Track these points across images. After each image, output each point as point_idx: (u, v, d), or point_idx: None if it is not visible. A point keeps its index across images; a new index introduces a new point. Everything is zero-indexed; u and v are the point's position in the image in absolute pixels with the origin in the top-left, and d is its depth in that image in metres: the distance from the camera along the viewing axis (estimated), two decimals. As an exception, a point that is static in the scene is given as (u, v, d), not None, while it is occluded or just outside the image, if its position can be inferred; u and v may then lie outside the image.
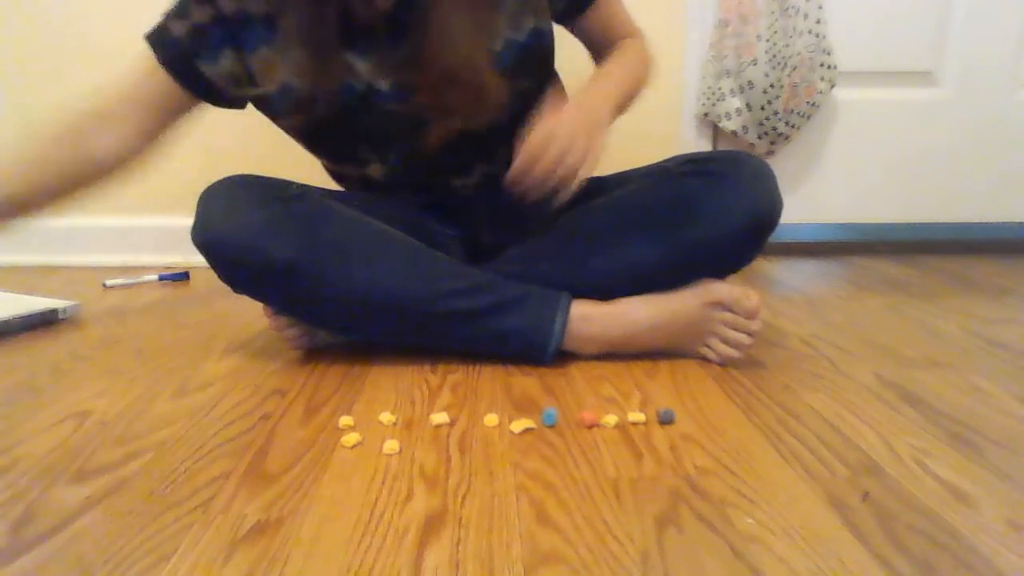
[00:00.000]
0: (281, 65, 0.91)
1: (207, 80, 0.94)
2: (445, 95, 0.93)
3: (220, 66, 0.93)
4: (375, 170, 1.02)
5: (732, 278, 0.93)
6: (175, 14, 0.92)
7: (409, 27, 0.90)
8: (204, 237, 0.86)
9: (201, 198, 0.88)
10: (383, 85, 0.93)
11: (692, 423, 0.74)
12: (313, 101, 0.92)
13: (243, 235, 0.84)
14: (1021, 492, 0.59)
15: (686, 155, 1.00)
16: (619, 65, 0.99)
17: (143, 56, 0.94)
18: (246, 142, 1.61)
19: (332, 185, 1.07)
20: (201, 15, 0.91)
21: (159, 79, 0.94)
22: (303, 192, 0.91)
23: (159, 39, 0.93)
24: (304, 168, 1.01)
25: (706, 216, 0.89)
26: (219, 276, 0.88)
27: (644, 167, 1.03)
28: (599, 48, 1.06)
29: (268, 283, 0.86)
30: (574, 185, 0.83)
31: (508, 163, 0.96)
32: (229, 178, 0.89)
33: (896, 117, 1.66)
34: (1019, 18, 1.62)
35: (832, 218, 1.73)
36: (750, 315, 0.88)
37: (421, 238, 0.93)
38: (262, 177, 0.91)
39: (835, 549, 0.51)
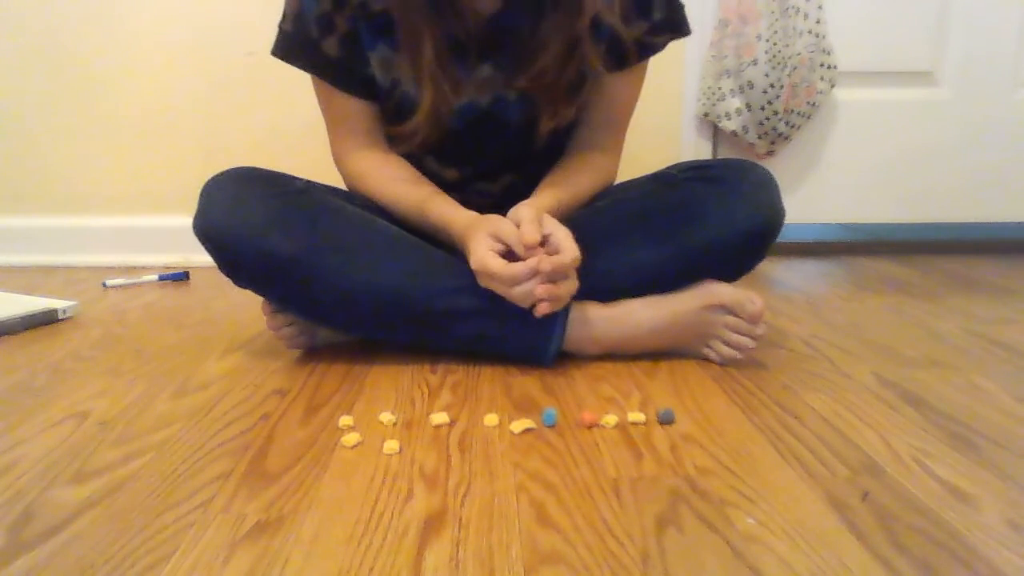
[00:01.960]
0: (399, 65, 0.93)
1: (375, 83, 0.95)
2: (552, 88, 0.93)
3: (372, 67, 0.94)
4: (427, 163, 1.03)
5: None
6: (321, 29, 0.92)
7: (510, 31, 0.91)
8: (206, 228, 0.86)
9: (204, 189, 0.88)
10: (511, 96, 0.95)
11: (692, 423, 0.73)
12: (437, 115, 0.93)
13: (245, 227, 0.84)
14: (1021, 492, 0.59)
15: (690, 162, 1.00)
16: (559, 200, 0.94)
17: (318, 83, 0.97)
18: (246, 142, 1.61)
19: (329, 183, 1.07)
20: (343, 24, 0.92)
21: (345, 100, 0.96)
22: (307, 187, 0.92)
23: (319, 65, 0.94)
24: (304, 169, 1.01)
25: (708, 220, 0.90)
26: (220, 268, 0.88)
27: (647, 174, 1.03)
28: (579, 127, 1.03)
29: (269, 276, 0.86)
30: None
31: (532, 177, 0.98)
32: (233, 169, 0.90)
33: (896, 117, 1.66)
34: (1018, 18, 1.62)
35: (832, 218, 1.73)
36: (753, 319, 0.87)
37: (424, 237, 0.93)
38: (266, 170, 0.92)
39: (835, 549, 0.51)
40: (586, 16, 0.87)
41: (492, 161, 1.03)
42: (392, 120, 0.97)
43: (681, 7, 0.97)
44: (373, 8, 0.91)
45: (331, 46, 0.92)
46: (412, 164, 1.03)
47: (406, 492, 0.60)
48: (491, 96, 0.96)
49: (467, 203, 0.96)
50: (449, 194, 1.00)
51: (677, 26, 0.97)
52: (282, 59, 0.96)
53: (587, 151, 1.02)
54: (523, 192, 0.95)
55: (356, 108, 0.97)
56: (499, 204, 0.97)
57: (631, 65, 0.97)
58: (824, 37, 1.51)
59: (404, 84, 0.94)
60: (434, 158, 1.03)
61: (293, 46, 0.94)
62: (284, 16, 0.94)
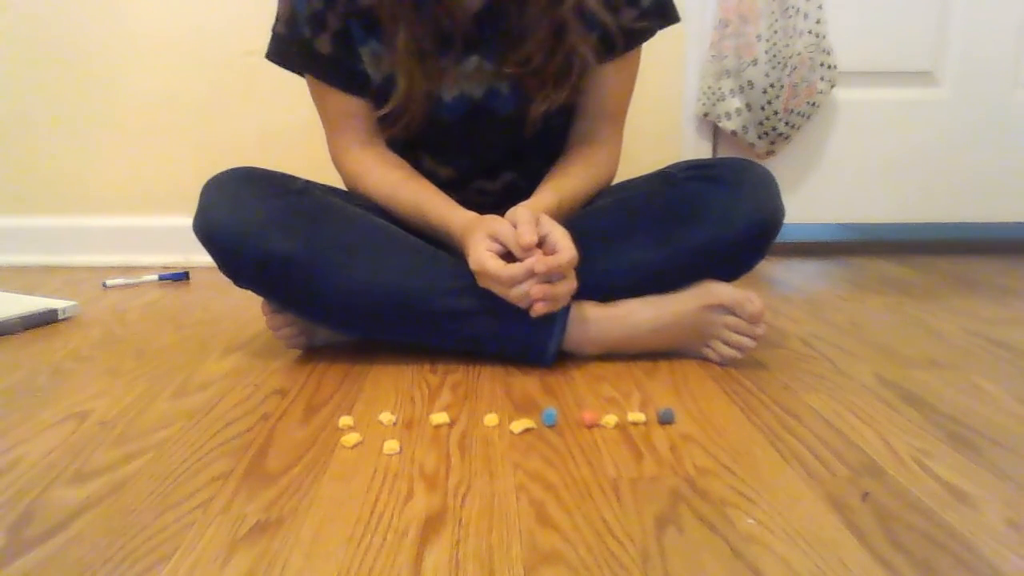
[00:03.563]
0: (388, 60, 0.92)
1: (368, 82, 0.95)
2: (544, 68, 0.92)
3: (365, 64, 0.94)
4: (425, 162, 1.03)
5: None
6: (313, 28, 0.91)
7: (496, 23, 0.90)
8: (206, 228, 0.86)
9: (204, 189, 0.88)
10: (504, 89, 0.95)
11: (692, 423, 0.73)
12: (425, 111, 0.93)
13: (245, 228, 0.84)
14: (1021, 492, 0.59)
15: (690, 161, 1.00)
16: (560, 197, 0.94)
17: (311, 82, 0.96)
18: (246, 142, 1.61)
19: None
20: (335, 21, 0.91)
21: (339, 97, 0.96)
22: (307, 187, 0.92)
23: (312, 64, 0.94)
24: (304, 169, 1.01)
25: (708, 219, 0.90)
26: (220, 268, 0.88)
27: (647, 174, 1.03)
28: (576, 121, 1.02)
29: (269, 276, 0.86)
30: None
31: (532, 174, 0.97)
32: (233, 170, 0.90)
33: (896, 117, 1.66)
34: (1018, 17, 1.62)
35: (832, 218, 1.73)
36: (753, 319, 0.87)
37: (423, 237, 0.93)
38: (266, 170, 0.92)
39: (835, 549, 0.51)
40: (569, 1, 0.87)
41: (488, 155, 1.03)
42: (385, 116, 0.97)
43: None
44: (362, 4, 0.91)
45: (324, 44, 0.92)
46: (409, 163, 1.03)
47: (406, 492, 0.60)
48: (484, 88, 0.96)
49: (467, 203, 0.96)
50: (448, 194, 1.00)
51: (665, 13, 0.97)
52: (277, 63, 0.96)
53: (586, 146, 1.01)
54: (523, 191, 0.95)
55: (351, 106, 0.97)
56: (499, 204, 0.97)
57: (620, 53, 0.96)
58: (824, 37, 1.51)
59: (395, 77, 0.94)
60: (431, 155, 1.03)
61: (287, 48, 0.94)
62: (277, 18, 0.94)
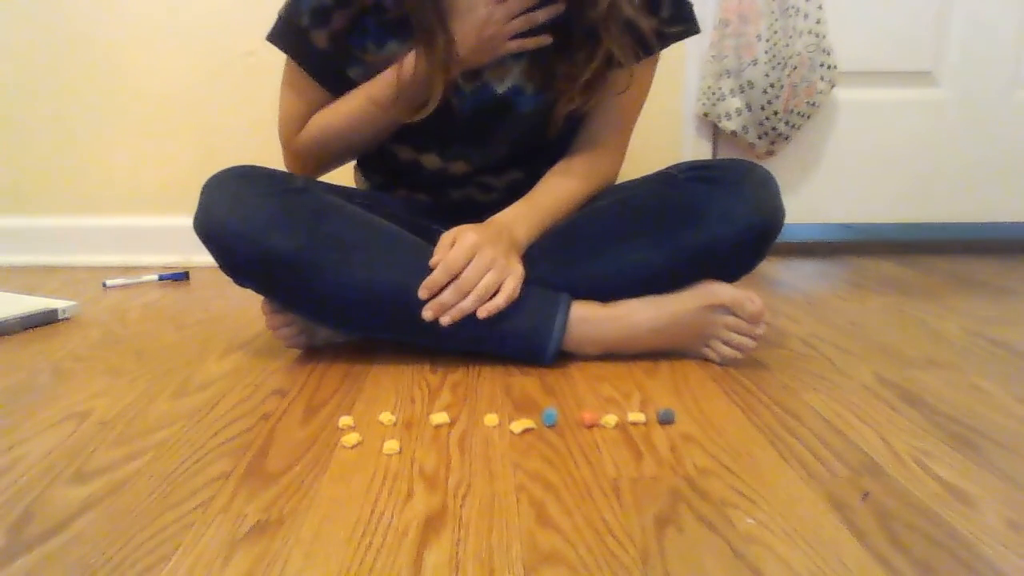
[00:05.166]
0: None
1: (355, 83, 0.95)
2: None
3: (366, 66, 0.94)
4: (429, 160, 1.02)
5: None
6: (313, 20, 0.91)
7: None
8: (206, 226, 0.86)
9: (204, 187, 0.88)
10: (528, 89, 0.95)
11: (692, 423, 0.74)
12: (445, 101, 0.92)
13: (246, 226, 0.84)
14: (1021, 492, 0.59)
15: (690, 162, 1.00)
16: (555, 198, 0.98)
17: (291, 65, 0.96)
18: (246, 142, 1.61)
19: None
20: (341, 19, 0.91)
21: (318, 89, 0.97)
22: (307, 185, 0.92)
23: (302, 52, 0.94)
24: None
25: (708, 220, 0.89)
26: (220, 266, 0.88)
27: (647, 174, 1.03)
28: (586, 123, 1.02)
29: (269, 274, 0.86)
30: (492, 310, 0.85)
31: (539, 174, 0.98)
32: (233, 168, 0.90)
33: (896, 117, 1.66)
34: (1018, 18, 1.62)
35: (832, 218, 1.73)
36: (753, 319, 0.87)
37: (423, 238, 0.93)
38: (266, 168, 0.92)
39: (835, 549, 0.51)
40: (601, 6, 0.86)
41: (500, 148, 1.02)
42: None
43: (690, 6, 0.97)
44: (389, 7, 0.90)
45: (320, 38, 0.92)
46: (412, 163, 1.03)
47: (406, 492, 0.60)
48: (509, 84, 0.96)
49: (470, 198, 0.96)
50: (451, 190, 1.00)
51: (686, 24, 0.97)
52: (269, 40, 0.96)
53: (590, 150, 1.01)
54: (527, 189, 0.95)
55: (323, 98, 0.97)
56: (501, 202, 0.97)
57: (642, 59, 0.96)
58: (824, 37, 1.51)
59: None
60: (438, 148, 1.02)
61: (281, 29, 0.95)
62: (285, 3, 0.95)
